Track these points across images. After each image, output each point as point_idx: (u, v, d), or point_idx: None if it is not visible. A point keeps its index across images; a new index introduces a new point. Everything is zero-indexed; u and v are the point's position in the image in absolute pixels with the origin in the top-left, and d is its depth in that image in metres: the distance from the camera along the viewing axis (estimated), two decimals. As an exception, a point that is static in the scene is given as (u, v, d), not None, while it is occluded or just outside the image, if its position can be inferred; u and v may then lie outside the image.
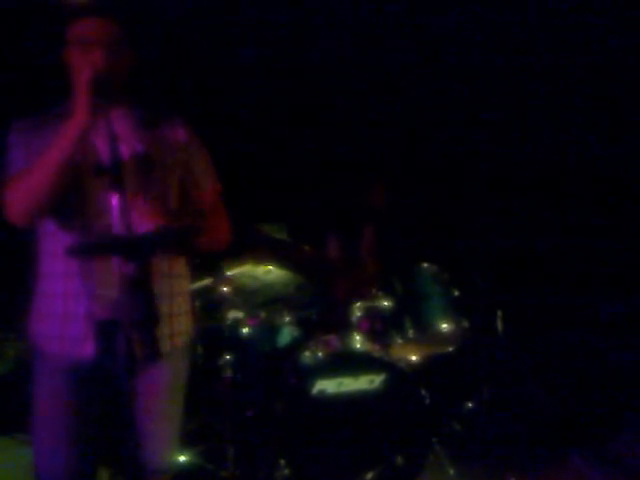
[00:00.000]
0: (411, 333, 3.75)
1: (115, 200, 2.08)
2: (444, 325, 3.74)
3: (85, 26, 2.29)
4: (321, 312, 4.12)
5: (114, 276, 2.11)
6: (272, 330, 3.98)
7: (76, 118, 2.14)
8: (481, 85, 4.95)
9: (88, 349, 2.25)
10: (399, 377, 3.57)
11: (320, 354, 3.67)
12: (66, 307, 2.30)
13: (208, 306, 3.96)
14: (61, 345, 2.31)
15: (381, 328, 3.80)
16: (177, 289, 2.45)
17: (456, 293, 3.84)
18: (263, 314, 3.98)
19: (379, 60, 4.90)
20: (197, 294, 3.91)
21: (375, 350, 3.70)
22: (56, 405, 2.31)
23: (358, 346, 3.71)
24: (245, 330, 3.92)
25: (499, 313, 4.26)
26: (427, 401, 3.60)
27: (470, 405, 4.27)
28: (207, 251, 2.54)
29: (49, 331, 2.34)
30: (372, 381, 3.53)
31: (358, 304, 3.83)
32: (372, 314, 3.82)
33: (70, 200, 2.25)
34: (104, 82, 2.13)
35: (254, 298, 4.06)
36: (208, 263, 3.71)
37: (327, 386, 3.49)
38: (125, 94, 2.35)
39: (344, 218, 4.58)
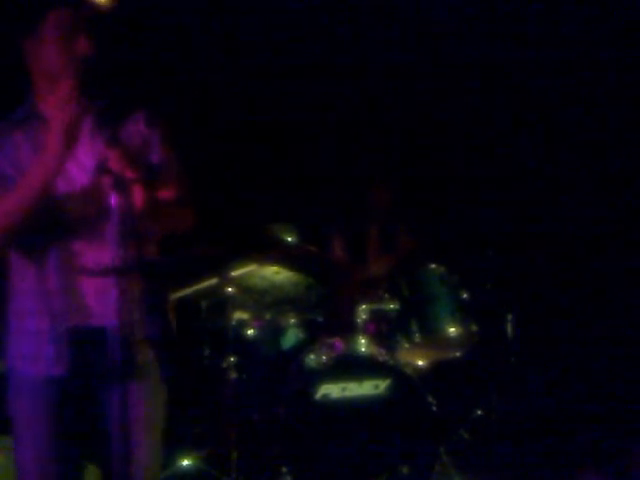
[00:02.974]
0: (418, 337, 3.69)
1: (115, 200, 1.98)
2: (452, 329, 3.68)
3: (69, 13, 2.17)
4: (326, 314, 4.06)
5: (88, 286, 2.15)
6: (277, 332, 3.95)
7: (53, 147, 2.07)
8: (488, 83, 4.89)
9: (63, 365, 2.19)
10: (405, 383, 3.51)
11: (324, 357, 3.61)
12: (39, 324, 2.22)
13: (213, 307, 3.95)
14: (34, 365, 2.23)
15: (387, 331, 3.74)
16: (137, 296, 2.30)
17: (464, 295, 3.77)
18: (268, 315, 3.94)
19: (384, 61, 4.85)
20: (203, 294, 3.92)
21: (380, 354, 3.63)
22: (37, 427, 2.24)
23: (363, 349, 3.63)
24: (250, 331, 3.90)
25: (509, 317, 4.18)
26: (434, 408, 3.52)
27: (479, 412, 4.18)
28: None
29: (21, 351, 2.26)
30: (377, 386, 3.48)
31: (364, 306, 3.75)
32: (378, 317, 3.76)
33: (39, 215, 2.17)
34: (93, 73, 2.08)
35: (263, 298, 4.03)
36: (213, 263, 3.68)
37: (331, 391, 3.45)
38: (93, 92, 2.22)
39: (349, 219, 4.52)
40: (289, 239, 3.95)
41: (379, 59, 4.84)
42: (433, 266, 3.82)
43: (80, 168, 2.21)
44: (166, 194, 2.30)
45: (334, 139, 4.94)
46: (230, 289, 3.77)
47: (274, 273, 3.99)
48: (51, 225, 2.19)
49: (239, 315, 3.88)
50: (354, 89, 4.91)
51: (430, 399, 3.52)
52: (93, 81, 2.12)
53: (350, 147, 4.87)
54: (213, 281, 3.82)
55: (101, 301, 2.17)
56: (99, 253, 2.18)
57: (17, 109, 2.30)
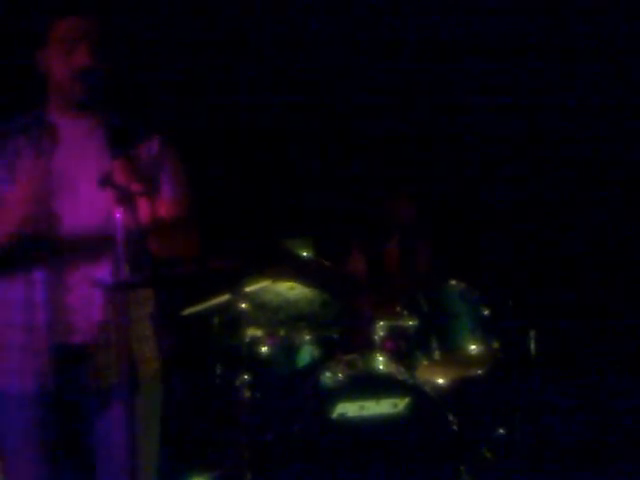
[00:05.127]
0: (438, 354, 3.64)
1: (120, 214, 2.01)
2: (473, 346, 3.64)
3: (70, 24, 2.22)
4: (343, 331, 4.01)
5: (76, 300, 2.16)
6: (292, 349, 3.89)
7: None
8: (512, 97, 4.85)
9: (48, 381, 2.18)
10: (424, 401, 3.44)
11: (341, 375, 3.56)
12: (24, 338, 2.20)
13: (226, 323, 3.90)
14: (22, 380, 2.21)
15: (406, 349, 3.68)
16: (137, 314, 2.30)
17: (486, 312, 3.71)
18: (283, 332, 3.89)
19: (405, 70, 4.83)
20: (215, 310, 3.88)
21: (399, 372, 3.57)
22: (23, 447, 2.22)
23: (381, 367, 3.58)
24: (264, 349, 3.84)
25: (531, 334, 4.11)
26: (454, 427, 3.45)
27: (501, 431, 4.08)
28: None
29: (8, 365, 2.24)
30: (396, 405, 3.41)
31: (382, 323, 3.70)
32: (396, 334, 3.71)
33: (35, 224, 2.17)
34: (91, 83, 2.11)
35: (277, 315, 3.99)
36: (226, 278, 3.63)
37: (348, 409, 3.40)
38: (100, 103, 2.24)
39: (368, 232, 4.48)
40: (304, 254, 3.92)
41: (398, 73, 4.82)
42: (453, 282, 3.77)
43: (88, 183, 2.19)
44: (168, 213, 2.31)
45: (354, 151, 4.92)
46: (243, 305, 3.68)
47: (289, 289, 3.96)
48: (48, 237, 2.19)
49: (252, 332, 3.82)
50: (376, 102, 4.87)
51: (451, 418, 3.45)
52: (99, 95, 2.15)
53: (371, 160, 4.85)
54: (226, 297, 3.77)
55: (88, 317, 2.18)
56: (91, 269, 2.18)
57: (24, 115, 2.32)
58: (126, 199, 2.02)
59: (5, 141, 2.25)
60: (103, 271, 2.17)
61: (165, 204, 2.32)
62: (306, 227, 4.41)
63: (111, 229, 2.11)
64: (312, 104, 4.79)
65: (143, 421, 2.27)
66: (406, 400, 3.40)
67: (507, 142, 4.91)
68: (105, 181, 2.07)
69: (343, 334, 3.99)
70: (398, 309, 3.77)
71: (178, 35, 4.36)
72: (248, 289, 3.76)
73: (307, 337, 3.89)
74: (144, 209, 2.11)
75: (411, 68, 4.81)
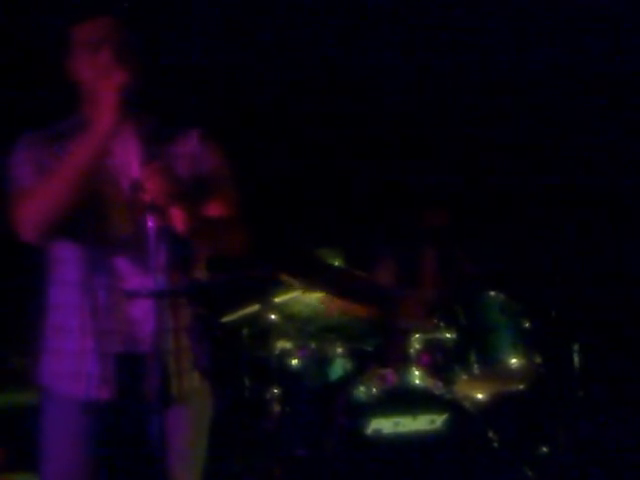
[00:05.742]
0: (477, 368, 3.55)
1: (152, 222, 2.01)
2: (513, 360, 3.55)
3: (91, 27, 2.21)
4: (377, 343, 3.97)
5: (132, 309, 2.15)
6: (323, 362, 3.82)
7: (101, 124, 2.04)
8: (548, 101, 4.82)
9: (108, 389, 2.16)
10: (463, 417, 3.39)
11: (375, 390, 3.50)
12: (82, 343, 2.18)
13: (255, 335, 3.85)
14: (75, 385, 2.18)
15: (443, 362, 3.61)
16: (182, 323, 2.29)
17: (527, 324, 3.63)
18: (314, 344, 3.83)
19: (438, 81, 4.84)
20: (244, 322, 3.83)
21: (436, 387, 3.50)
22: (73, 455, 2.17)
23: (417, 382, 3.51)
24: (294, 362, 3.78)
25: (575, 347, 4.02)
26: (495, 444, 3.39)
27: (544, 449, 3.97)
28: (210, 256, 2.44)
29: (61, 369, 2.21)
30: (433, 421, 3.35)
31: (417, 336, 3.64)
32: (433, 347, 3.64)
33: (87, 224, 2.17)
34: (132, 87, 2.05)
35: (307, 326, 3.94)
36: (256, 289, 3.59)
37: (383, 426, 3.34)
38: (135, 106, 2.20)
39: (401, 241, 4.42)
40: (336, 263, 3.88)
41: (430, 79, 4.81)
42: (493, 293, 3.69)
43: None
44: (215, 213, 2.29)
45: (390, 159, 4.87)
46: (273, 316, 3.70)
47: (319, 300, 3.89)
48: (97, 235, 2.18)
49: (282, 344, 3.79)
50: (408, 108, 4.87)
51: (491, 435, 3.40)
52: (133, 97, 2.09)
53: (402, 167, 4.80)
54: (255, 308, 3.73)
55: (148, 326, 2.11)
56: (145, 279, 2.14)
57: (68, 119, 2.31)
58: (158, 206, 2.00)
59: (57, 141, 2.22)
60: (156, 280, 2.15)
61: (211, 203, 2.30)
62: (337, 236, 4.37)
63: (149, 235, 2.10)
64: (348, 113, 4.79)
65: (191, 431, 2.29)
66: (444, 416, 3.35)
67: (550, 146, 4.87)
68: (135, 188, 2.07)
69: (377, 347, 3.94)
70: (435, 321, 3.72)
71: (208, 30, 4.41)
72: (278, 300, 3.75)
73: (339, 349, 3.83)
74: (180, 214, 2.07)
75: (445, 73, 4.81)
